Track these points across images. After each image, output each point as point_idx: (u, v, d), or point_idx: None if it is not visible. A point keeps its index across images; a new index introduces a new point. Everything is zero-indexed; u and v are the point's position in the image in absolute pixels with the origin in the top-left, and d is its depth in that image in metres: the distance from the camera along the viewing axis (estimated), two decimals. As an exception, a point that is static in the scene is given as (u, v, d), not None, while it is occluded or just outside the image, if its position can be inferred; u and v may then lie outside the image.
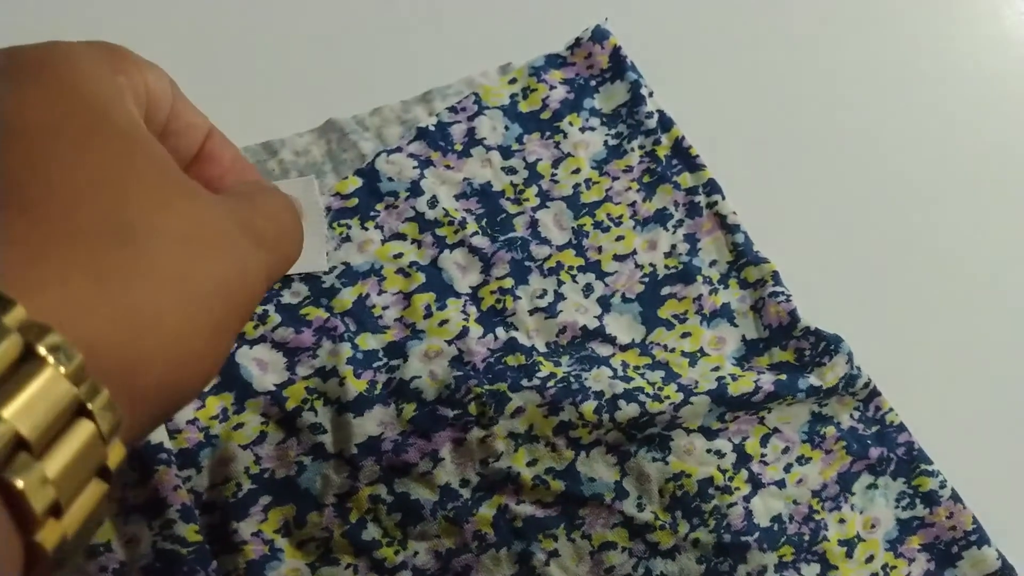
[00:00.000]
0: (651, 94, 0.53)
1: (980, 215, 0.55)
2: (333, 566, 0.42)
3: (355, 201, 0.48)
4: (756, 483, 0.47)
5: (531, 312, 0.48)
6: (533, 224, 0.49)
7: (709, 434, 0.47)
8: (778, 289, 0.49)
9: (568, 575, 0.43)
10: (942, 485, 0.48)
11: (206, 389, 0.43)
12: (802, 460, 0.48)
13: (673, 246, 0.50)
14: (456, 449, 0.44)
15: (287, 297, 0.45)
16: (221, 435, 0.43)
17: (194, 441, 0.42)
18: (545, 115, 0.52)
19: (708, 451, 0.47)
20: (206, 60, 0.48)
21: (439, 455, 0.43)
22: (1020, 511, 0.49)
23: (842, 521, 0.47)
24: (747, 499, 0.46)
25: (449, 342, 0.46)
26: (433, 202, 0.48)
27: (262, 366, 0.44)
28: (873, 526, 0.48)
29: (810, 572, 0.46)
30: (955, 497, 0.48)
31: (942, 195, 0.55)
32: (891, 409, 0.49)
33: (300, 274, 0.46)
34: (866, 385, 0.49)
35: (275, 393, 0.44)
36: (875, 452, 0.48)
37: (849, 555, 0.47)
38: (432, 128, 0.50)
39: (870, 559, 0.47)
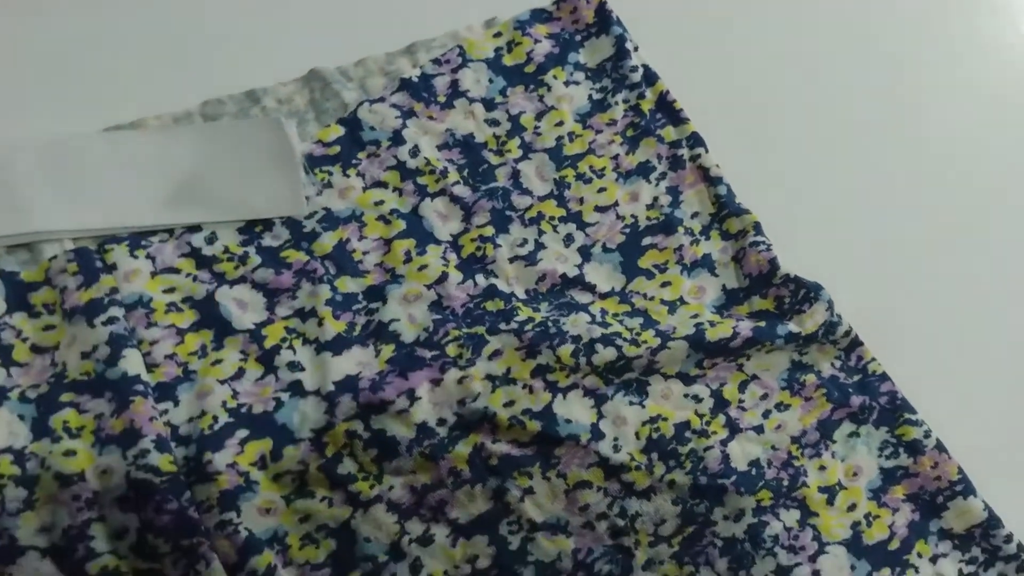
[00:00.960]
0: (636, 49, 0.53)
1: (960, 158, 0.55)
2: (308, 499, 0.42)
3: (337, 149, 0.48)
4: (733, 428, 0.47)
5: (511, 260, 0.48)
6: (515, 175, 0.50)
7: (687, 380, 0.47)
8: (759, 239, 0.50)
9: (543, 512, 0.44)
10: (926, 435, 0.48)
11: (185, 326, 0.44)
12: (781, 407, 0.48)
13: (655, 198, 0.51)
14: (433, 389, 0.44)
15: (268, 240, 0.46)
16: (199, 371, 0.43)
17: (172, 375, 0.43)
18: (529, 68, 0.52)
19: (685, 396, 0.47)
20: (193, 8, 0.49)
21: (416, 394, 0.44)
22: (1005, 462, 0.49)
23: (823, 468, 0.47)
24: (724, 443, 0.46)
25: (428, 287, 0.46)
26: (415, 151, 0.49)
27: (242, 305, 0.45)
28: (855, 474, 0.48)
29: (790, 518, 0.46)
30: (940, 447, 0.48)
31: (919, 142, 0.55)
32: (873, 359, 0.49)
33: (281, 217, 0.46)
34: (847, 334, 0.49)
35: (254, 332, 0.44)
36: (857, 400, 0.48)
37: (830, 502, 0.47)
38: (415, 79, 0.50)
39: (852, 507, 0.47)
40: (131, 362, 0.42)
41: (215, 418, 0.42)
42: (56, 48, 0.50)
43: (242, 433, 0.42)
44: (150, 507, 0.40)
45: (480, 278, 0.47)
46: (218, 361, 0.43)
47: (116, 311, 0.42)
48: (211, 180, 0.46)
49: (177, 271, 0.45)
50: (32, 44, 0.50)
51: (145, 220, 0.45)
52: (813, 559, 0.45)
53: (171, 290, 0.44)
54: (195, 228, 0.46)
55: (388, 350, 0.45)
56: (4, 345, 0.42)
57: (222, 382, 0.43)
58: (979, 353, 0.51)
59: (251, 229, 0.46)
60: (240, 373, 0.43)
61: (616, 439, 0.45)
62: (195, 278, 0.45)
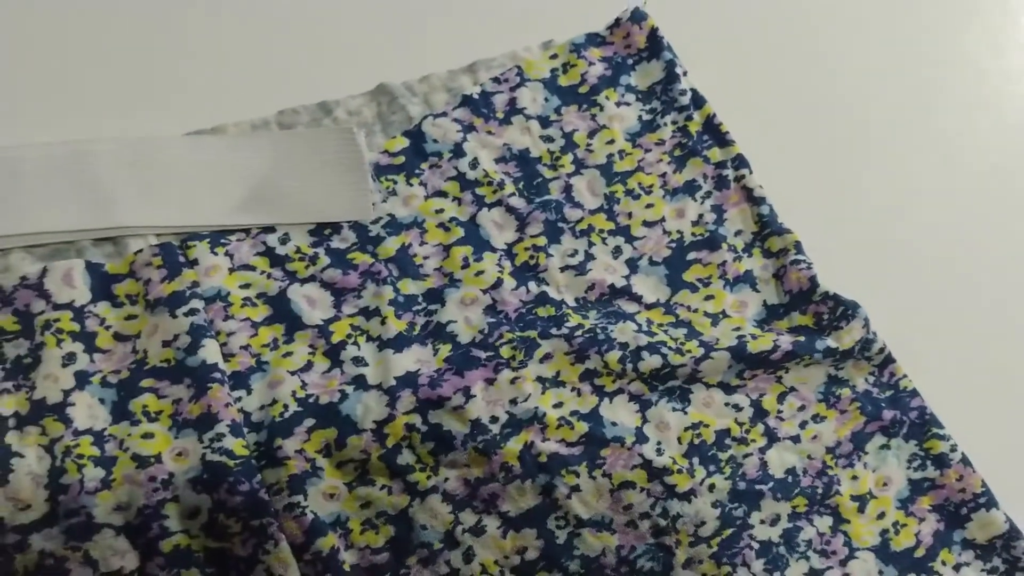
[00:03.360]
0: (685, 73, 0.56)
1: (999, 189, 0.57)
2: (369, 486, 0.45)
3: (402, 159, 0.51)
4: (772, 437, 0.49)
5: (562, 269, 0.51)
6: (567, 189, 0.53)
7: (728, 389, 0.49)
8: (800, 257, 0.52)
9: (588, 509, 0.46)
10: (953, 449, 0.50)
11: (259, 320, 0.46)
12: (817, 418, 0.50)
13: (700, 215, 0.53)
14: (487, 388, 0.47)
15: (336, 242, 0.49)
16: (271, 362, 0.46)
17: (246, 365, 0.46)
18: (583, 89, 0.55)
19: (726, 404, 0.49)
20: (274, 26, 0.52)
21: (471, 392, 0.46)
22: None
23: (855, 478, 0.49)
24: (762, 451, 0.49)
25: (484, 291, 0.49)
26: (474, 163, 0.52)
27: (311, 302, 0.47)
28: (885, 484, 0.50)
29: (823, 524, 0.48)
30: (965, 461, 0.50)
31: (962, 170, 0.57)
32: (905, 375, 0.51)
33: (349, 222, 0.49)
34: (881, 350, 0.51)
35: (322, 327, 0.47)
36: (888, 415, 0.50)
37: (861, 510, 0.49)
38: (476, 96, 0.53)
39: (881, 515, 0.49)
40: (209, 351, 0.44)
41: (285, 407, 0.45)
42: (144, 57, 0.53)
43: (309, 422, 0.44)
44: (223, 488, 0.42)
45: (532, 285, 0.50)
46: (288, 353, 0.46)
47: (197, 303, 0.45)
48: (285, 184, 0.48)
49: (253, 268, 0.47)
50: (122, 53, 0.53)
51: (223, 220, 0.47)
52: (844, 563, 0.47)
53: (247, 286, 0.47)
54: (270, 229, 0.48)
55: (445, 349, 0.47)
56: (88, 332, 0.44)
57: (292, 373, 0.45)
58: (1005, 373, 0.53)
59: (321, 231, 0.49)
60: (308, 365, 0.46)
61: (659, 443, 0.48)
62: (269, 275, 0.47)
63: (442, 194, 0.51)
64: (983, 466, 0.50)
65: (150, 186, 0.47)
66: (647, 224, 0.53)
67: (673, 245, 0.52)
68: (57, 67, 0.52)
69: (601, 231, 0.52)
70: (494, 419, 0.46)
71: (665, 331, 0.50)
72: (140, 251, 0.46)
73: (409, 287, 0.49)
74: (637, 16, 0.56)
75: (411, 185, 0.51)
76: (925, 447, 0.50)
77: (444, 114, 0.52)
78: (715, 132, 0.55)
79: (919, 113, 0.59)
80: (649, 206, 0.53)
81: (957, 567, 0.48)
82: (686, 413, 0.48)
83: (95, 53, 0.53)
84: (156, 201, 0.47)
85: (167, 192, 0.47)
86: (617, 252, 0.52)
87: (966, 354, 0.53)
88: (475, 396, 0.46)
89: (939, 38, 0.62)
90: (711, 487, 0.47)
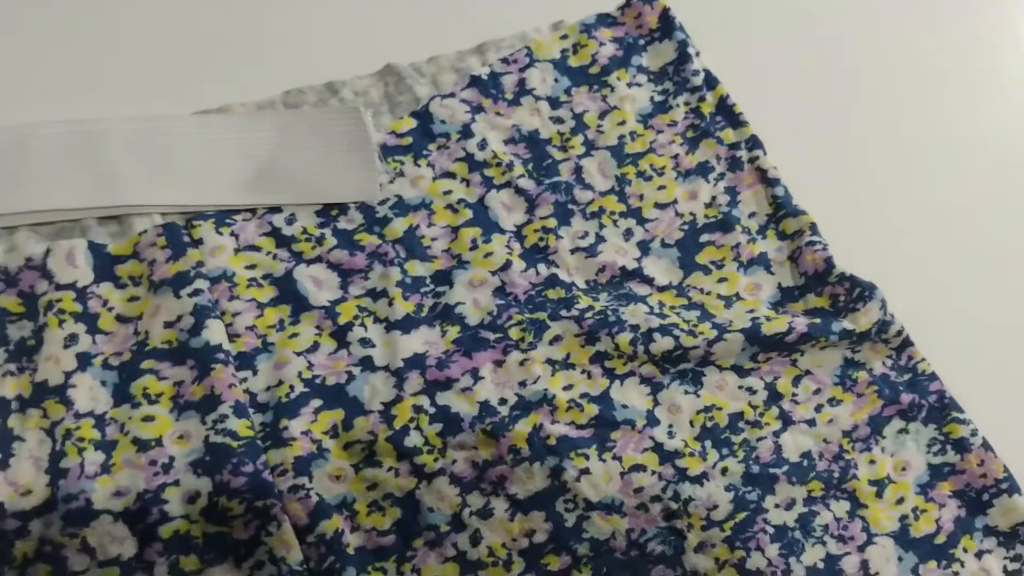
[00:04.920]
0: (697, 54, 0.55)
1: (1017, 170, 0.56)
2: (376, 468, 0.44)
3: (409, 140, 0.51)
4: (786, 420, 0.48)
5: (572, 251, 0.50)
6: (578, 170, 0.52)
7: (741, 372, 0.49)
8: (815, 239, 0.51)
9: (598, 492, 0.45)
10: (973, 433, 0.49)
11: (265, 301, 0.46)
12: (833, 402, 0.49)
13: (713, 197, 0.52)
14: (496, 370, 0.46)
15: (343, 223, 0.48)
16: (277, 343, 0.45)
17: (252, 346, 0.45)
18: (594, 70, 0.54)
19: (740, 387, 0.48)
20: (281, 6, 0.52)
21: (479, 373, 0.46)
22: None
23: (872, 462, 0.48)
24: (777, 434, 0.48)
25: (493, 273, 0.48)
26: (483, 145, 0.51)
27: (317, 283, 0.47)
28: (904, 469, 0.48)
29: (840, 508, 0.47)
30: (986, 445, 0.49)
31: (979, 150, 0.56)
32: (923, 358, 0.50)
33: (356, 203, 0.48)
34: (898, 333, 0.50)
35: (329, 308, 0.46)
36: (907, 398, 0.49)
37: (879, 495, 0.48)
38: (485, 77, 0.53)
39: (900, 501, 0.48)
40: (214, 332, 0.44)
41: (291, 387, 0.44)
42: (152, 38, 0.53)
43: (316, 403, 0.44)
44: (226, 470, 0.41)
45: (542, 267, 0.49)
46: (295, 335, 0.46)
47: (201, 283, 0.45)
48: (291, 164, 0.48)
49: (258, 249, 0.47)
50: (131, 34, 0.53)
51: (229, 199, 0.47)
52: (861, 549, 0.46)
53: (252, 266, 0.47)
54: (276, 209, 0.48)
55: (454, 331, 0.47)
56: (90, 313, 0.44)
57: (298, 354, 0.45)
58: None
59: (328, 212, 0.48)
60: (315, 347, 0.45)
61: (671, 426, 0.47)
62: (275, 256, 0.47)
63: (450, 175, 0.51)
64: (1004, 451, 0.49)
65: (157, 165, 0.47)
66: (659, 206, 0.52)
67: (686, 227, 0.52)
68: (67, 49, 0.53)
69: (612, 213, 0.51)
70: (503, 401, 0.45)
71: (677, 313, 0.49)
72: (144, 232, 0.46)
73: (417, 268, 0.48)
74: (649, -4, 0.55)
75: (419, 166, 0.50)
76: (944, 431, 0.49)
77: (452, 95, 0.52)
78: (728, 113, 0.54)
79: (936, 94, 0.58)
80: (661, 188, 0.52)
81: (979, 554, 0.47)
82: (698, 396, 0.47)
83: (104, 34, 0.53)
84: (162, 180, 0.47)
85: (174, 171, 0.47)
86: (628, 234, 0.51)
87: (985, 337, 0.52)
88: (483, 378, 0.46)
89: (957, 20, 0.61)
90: (724, 470, 0.46)
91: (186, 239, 0.46)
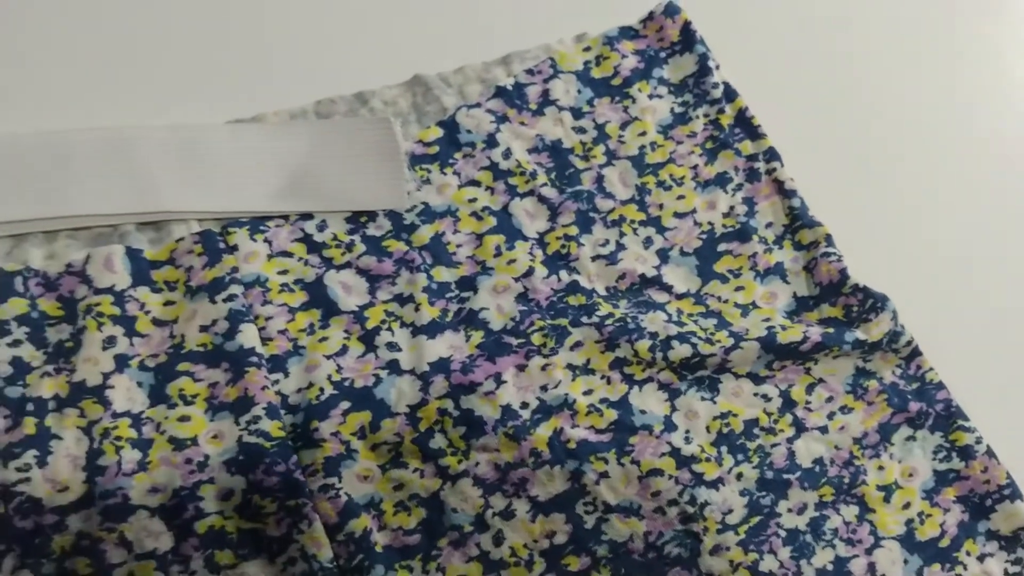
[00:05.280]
0: (717, 67, 0.56)
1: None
2: (402, 469, 0.45)
3: (436, 149, 0.52)
4: (800, 427, 0.49)
5: (593, 259, 0.51)
6: (599, 180, 0.53)
7: (757, 379, 0.50)
8: (830, 250, 0.52)
9: (617, 495, 0.46)
10: (978, 441, 0.50)
11: (296, 305, 0.47)
12: (845, 409, 0.50)
13: (731, 207, 0.54)
14: (518, 374, 0.47)
15: (372, 229, 0.50)
16: (308, 346, 0.47)
17: (284, 349, 0.47)
18: (616, 81, 0.55)
19: (755, 394, 0.50)
20: (313, 19, 0.53)
21: (502, 378, 0.47)
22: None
23: (881, 468, 0.50)
24: (790, 441, 0.49)
25: (516, 279, 0.50)
26: (507, 154, 0.52)
27: (347, 289, 0.48)
28: (911, 475, 0.50)
29: (849, 513, 0.49)
30: (990, 453, 0.50)
31: (993, 164, 0.57)
32: (931, 368, 0.52)
33: (384, 210, 0.50)
34: (908, 343, 0.51)
35: (357, 313, 0.48)
36: (915, 406, 0.51)
37: (887, 500, 0.49)
38: (510, 87, 0.54)
39: (907, 506, 0.49)
40: (247, 336, 0.45)
41: (321, 390, 0.45)
42: (188, 48, 0.54)
43: (345, 405, 0.45)
44: (259, 469, 0.43)
45: (564, 274, 0.50)
46: (324, 338, 0.47)
47: (236, 289, 0.46)
48: (323, 172, 0.49)
49: (290, 255, 0.48)
50: (168, 44, 0.54)
51: (263, 206, 0.48)
52: (869, 552, 0.48)
53: (284, 272, 0.48)
54: (307, 216, 0.49)
55: (478, 336, 0.48)
56: (128, 316, 0.45)
57: (328, 357, 0.46)
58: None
59: (357, 219, 0.50)
60: (344, 350, 0.47)
61: (688, 431, 0.48)
62: (306, 262, 0.48)
63: (475, 183, 0.52)
64: (1008, 458, 0.50)
65: (193, 172, 0.48)
66: (678, 215, 0.53)
67: (704, 236, 0.53)
68: (106, 57, 0.54)
69: (632, 221, 0.53)
70: (524, 405, 0.47)
71: (695, 321, 0.50)
72: (181, 239, 0.47)
73: (442, 274, 0.49)
74: (670, 10, 0.57)
75: (445, 174, 0.52)
76: (951, 439, 0.51)
77: (478, 105, 0.53)
78: (747, 125, 0.55)
79: (950, 106, 0.59)
80: (680, 197, 0.53)
81: (981, 557, 0.49)
82: (715, 402, 0.49)
83: (142, 44, 0.54)
84: (198, 187, 0.48)
85: (209, 178, 0.48)
86: (648, 243, 0.52)
87: (992, 348, 0.54)
88: (506, 382, 0.47)
89: (979, 32, 0.62)
90: (739, 475, 0.48)
91: (221, 246, 0.47)
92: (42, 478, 0.41)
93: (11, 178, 0.46)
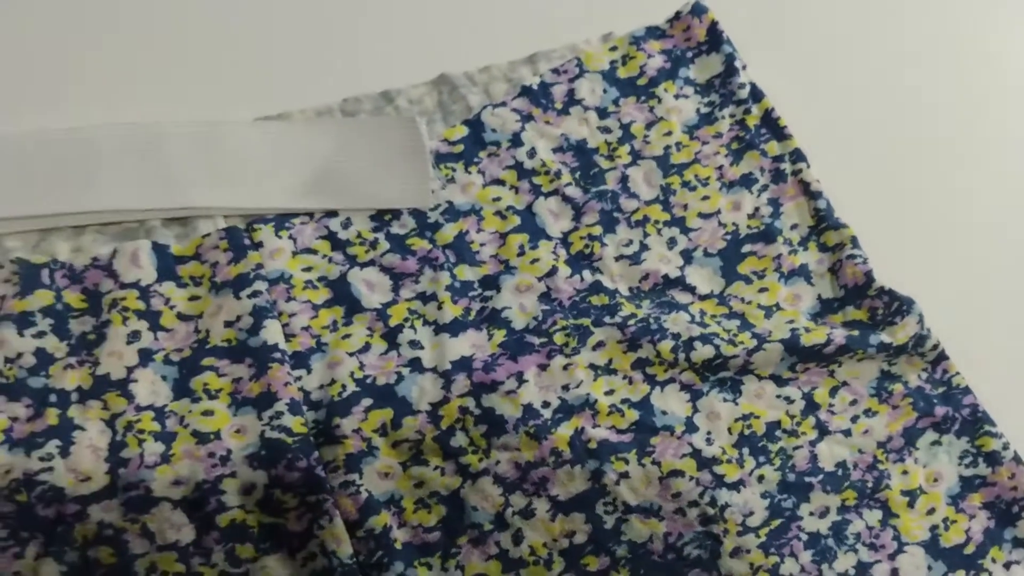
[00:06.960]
0: (744, 67, 0.56)
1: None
2: (422, 466, 0.46)
3: (461, 147, 0.52)
4: (823, 430, 0.49)
5: (616, 259, 0.51)
6: (624, 179, 0.53)
7: (779, 382, 0.50)
8: (856, 252, 0.52)
9: (637, 495, 0.46)
10: (1005, 447, 0.50)
11: (320, 302, 0.48)
12: (869, 413, 0.50)
13: (756, 208, 0.54)
14: (540, 373, 0.47)
15: (396, 228, 0.50)
16: (331, 343, 0.47)
17: (307, 346, 0.47)
18: (642, 81, 0.55)
19: (777, 396, 0.49)
20: (339, 17, 0.54)
21: (524, 377, 0.47)
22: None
23: (905, 473, 0.49)
24: (813, 444, 0.49)
25: (539, 279, 0.50)
26: (532, 153, 0.52)
27: (370, 286, 0.49)
28: (936, 480, 0.50)
29: (872, 517, 0.48)
30: (1017, 459, 0.50)
31: (1021, 167, 0.57)
32: (957, 372, 0.51)
33: (408, 208, 0.50)
34: (934, 347, 0.51)
35: (380, 311, 0.48)
36: (940, 411, 0.50)
37: (911, 505, 0.49)
38: (535, 87, 0.54)
39: (931, 511, 0.49)
40: (271, 332, 0.46)
41: (343, 387, 0.46)
42: (217, 46, 0.54)
43: (367, 402, 0.46)
44: (281, 464, 0.43)
45: (587, 274, 0.50)
46: (347, 335, 0.47)
47: (260, 285, 0.46)
48: (348, 170, 0.49)
49: (315, 252, 0.49)
50: (196, 42, 0.55)
51: (288, 203, 0.49)
52: (892, 557, 0.48)
53: (309, 269, 0.48)
54: (332, 213, 0.49)
55: (500, 335, 0.48)
56: (153, 311, 0.46)
57: (350, 354, 0.47)
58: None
59: (381, 217, 0.50)
60: (366, 347, 0.47)
61: (709, 433, 0.48)
62: (330, 259, 0.49)
63: (499, 182, 0.52)
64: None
65: (219, 169, 0.49)
66: (703, 216, 0.53)
67: (728, 237, 0.53)
68: (135, 54, 0.54)
69: (656, 222, 0.53)
70: (546, 404, 0.47)
71: (718, 322, 0.50)
72: (207, 235, 0.47)
73: (465, 273, 0.50)
74: (697, 9, 0.56)
75: (469, 173, 0.52)
76: (977, 444, 0.50)
77: (503, 104, 0.53)
78: (773, 126, 0.55)
79: (981, 107, 0.59)
80: (705, 198, 0.53)
81: (1007, 565, 0.48)
82: (737, 404, 0.49)
83: (171, 41, 0.55)
84: (225, 183, 0.48)
85: (235, 175, 0.49)
86: (672, 243, 0.52)
87: (1020, 352, 0.53)
88: (527, 381, 0.47)
89: (1006, 35, 0.62)
90: (760, 478, 0.47)
91: (247, 242, 0.47)
92: (64, 468, 0.42)
93: (39, 173, 0.47)
